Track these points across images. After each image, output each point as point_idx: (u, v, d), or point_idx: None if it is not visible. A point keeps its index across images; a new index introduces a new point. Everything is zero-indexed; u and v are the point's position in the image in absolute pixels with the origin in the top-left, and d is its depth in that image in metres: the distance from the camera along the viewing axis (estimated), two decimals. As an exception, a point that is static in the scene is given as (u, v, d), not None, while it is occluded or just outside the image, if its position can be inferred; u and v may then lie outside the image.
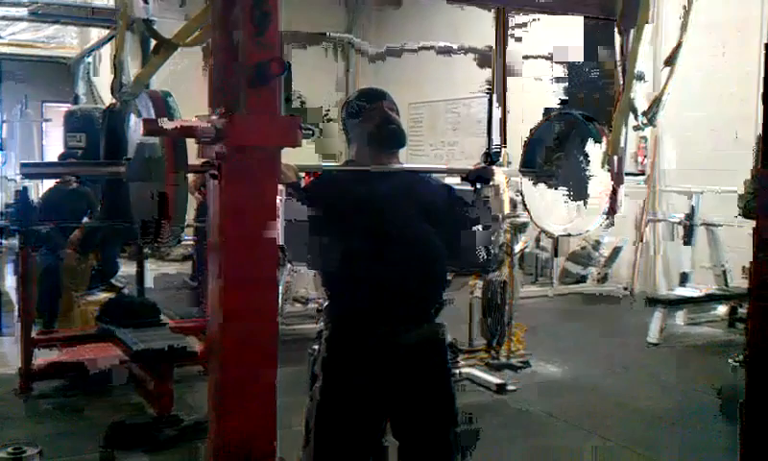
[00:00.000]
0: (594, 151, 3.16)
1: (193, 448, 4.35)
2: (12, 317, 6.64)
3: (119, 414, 4.77)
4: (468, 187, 2.82)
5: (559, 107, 6.74)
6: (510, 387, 5.61)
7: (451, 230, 2.69)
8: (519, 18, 8.71)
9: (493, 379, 5.69)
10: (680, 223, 8.22)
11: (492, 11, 7.44)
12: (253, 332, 1.93)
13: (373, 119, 2.72)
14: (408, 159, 3.05)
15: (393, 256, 2.55)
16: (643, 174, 9.40)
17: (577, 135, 3.25)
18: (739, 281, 7.30)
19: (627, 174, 3.27)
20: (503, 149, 6.71)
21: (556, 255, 9.70)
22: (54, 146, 13.22)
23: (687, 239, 8.08)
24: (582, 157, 3.21)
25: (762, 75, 2.10)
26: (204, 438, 2.25)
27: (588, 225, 3.29)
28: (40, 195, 8.17)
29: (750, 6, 8.29)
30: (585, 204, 3.21)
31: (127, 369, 5.36)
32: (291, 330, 6.39)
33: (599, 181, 3.13)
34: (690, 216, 8.02)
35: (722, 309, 7.74)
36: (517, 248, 6.54)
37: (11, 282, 7.91)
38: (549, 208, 3.38)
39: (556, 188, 3.27)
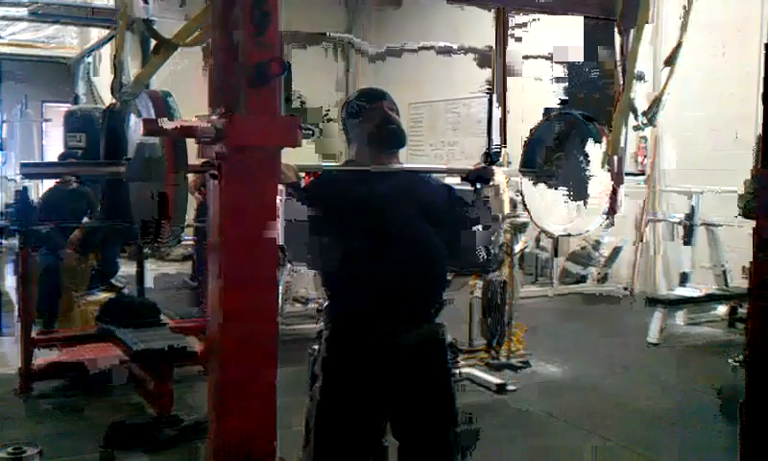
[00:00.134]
0: (594, 151, 3.15)
1: (193, 448, 4.35)
2: (12, 317, 6.64)
3: (119, 414, 4.77)
4: (468, 187, 2.82)
5: (559, 107, 6.74)
6: (510, 387, 5.61)
7: (451, 230, 2.69)
8: (519, 18, 8.71)
9: (493, 379, 5.69)
10: (680, 223, 8.22)
11: (492, 11, 7.44)
12: (253, 332, 1.93)
13: (373, 119, 2.72)
14: (408, 159, 3.05)
15: (393, 256, 2.55)
16: (643, 174, 9.40)
17: (577, 135, 3.25)
18: (739, 281, 7.30)
19: (627, 174, 3.27)
20: (503, 149, 6.71)
21: (556, 255, 9.70)
22: (54, 146, 13.22)
23: (687, 239, 8.08)
24: (582, 157, 3.21)
25: (762, 75, 2.10)
26: (203, 438, 2.25)
27: (588, 225, 3.29)
28: (40, 195, 8.17)
29: (750, 6, 8.29)
30: (585, 204, 3.21)
31: (127, 369, 5.36)
32: (291, 330, 6.39)
33: (599, 181, 3.13)
34: (690, 216, 8.02)
35: (722, 309, 7.74)
36: (517, 248, 6.54)
37: (11, 282, 7.91)
38: (549, 208, 3.38)
39: (556, 188, 3.27)
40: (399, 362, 2.60)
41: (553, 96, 9.32)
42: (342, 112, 2.86)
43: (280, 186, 2.38)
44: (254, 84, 1.84)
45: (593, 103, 8.85)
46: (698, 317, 7.73)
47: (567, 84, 9.90)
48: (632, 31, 2.98)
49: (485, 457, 3.68)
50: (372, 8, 14.00)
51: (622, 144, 3.02)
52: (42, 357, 5.58)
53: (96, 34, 12.45)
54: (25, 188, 7.29)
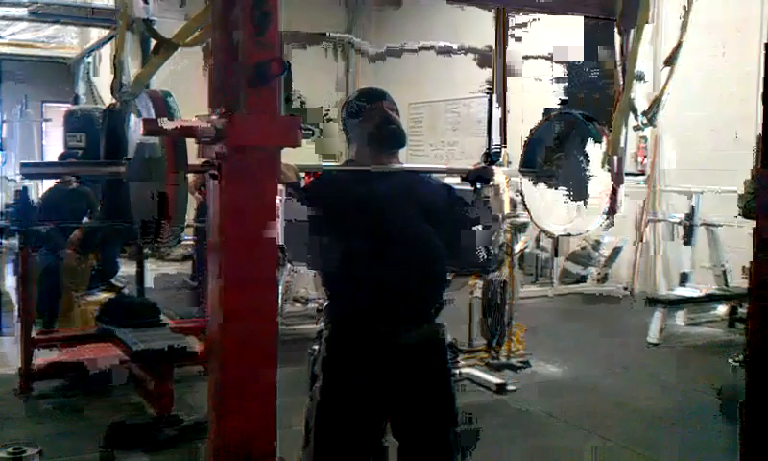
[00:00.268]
0: (594, 151, 3.15)
1: (193, 448, 4.35)
2: (12, 317, 6.64)
3: (119, 414, 4.77)
4: (468, 187, 2.82)
5: (559, 107, 6.74)
6: (510, 387, 5.61)
7: (451, 230, 2.69)
8: (519, 18, 8.71)
9: (493, 379, 5.69)
10: (680, 223, 8.22)
11: (492, 11, 7.44)
12: (253, 332, 1.93)
13: (373, 119, 2.72)
14: (408, 159, 3.05)
15: (393, 256, 2.55)
16: (643, 174, 9.40)
17: (577, 135, 3.25)
18: (739, 281, 7.30)
19: (627, 174, 3.27)
20: (503, 149, 6.71)
21: (556, 255, 9.70)
22: (54, 146, 13.22)
23: (687, 239, 8.08)
24: (582, 157, 3.21)
25: (762, 75, 2.10)
26: (203, 438, 2.25)
27: (588, 225, 3.29)
28: (40, 195, 8.17)
29: (750, 6, 8.29)
30: (585, 204, 3.21)
31: (127, 369, 5.36)
32: (291, 330, 6.39)
33: (599, 181, 3.13)
34: (690, 216, 8.02)
35: (722, 309, 7.74)
36: (517, 248, 6.54)
37: (11, 282, 7.91)
38: (549, 208, 3.38)
39: (556, 188, 3.27)
40: (399, 362, 2.60)
41: (553, 96, 9.32)
42: (342, 112, 2.86)
43: (280, 186, 2.38)
44: (254, 84, 1.84)
45: (593, 103, 8.85)
46: (698, 317, 7.73)
47: (567, 84, 9.90)
48: (632, 31, 2.98)
49: (485, 457, 3.67)
50: (371, 8, 14.00)
51: (622, 144, 3.02)
52: (42, 357, 5.58)
53: (96, 34, 12.45)
54: (25, 188, 7.28)
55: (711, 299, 7.64)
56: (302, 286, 7.33)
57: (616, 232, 9.10)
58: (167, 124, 1.93)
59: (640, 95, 3.00)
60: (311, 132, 11.21)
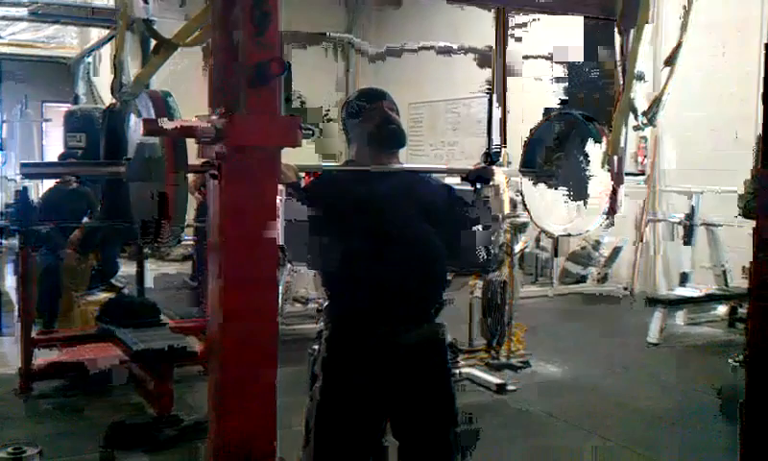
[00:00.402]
0: (594, 151, 3.15)
1: (193, 448, 4.35)
2: (12, 317, 6.64)
3: (119, 414, 4.77)
4: (468, 187, 2.82)
5: (559, 107, 6.74)
6: (510, 387, 5.61)
7: (451, 230, 2.69)
8: (519, 18, 8.71)
9: (493, 379, 5.69)
10: (680, 223, 8.22)
11: (492, 11, 7.44)
12: (253, 332, 1.93)
13: (373, 119, 2.72)
14: (408, 159, 3.05)
15: (393, 256, 2.55)
16: (643, 174, 9.40)
17: (577, 135, 3.25)
18: (739, 281, 7.30)
19: (627, 174, 3.27)
20: (503, 149, 6.71)
21: (556, 255, 9.70)
22: (54, 146, 13.22)
23: (687, 239, 8.08)
24: (582, 157, 3.21)
25: (762, 75, 2.10)
26: (203, 438, 2.25)
27: (588, 225, 3.29)
28: (40, 195, 8.17)
29: (750, 6, 8.29)
30: (585, 204, 3.21)
31: (127, 369, 5.36)
32: (291, 330, 6.39)
33: (599, 181, 3.13)
34: (690, 216, 8.02)
35: (722, 309, 7.74)
36: (517, 248, 6.54)
37: (11, 282, 7.91)
38: (549, 208, 3.38)
39: (556, 188, 3.27)
40: (399, 362, 2.60)
41: (553, 96, 9.32)
42: (342, 112, 2.86)
43: (280, 186, 2.38)
44: (254, 84, 1.84)
45: (593, 103, 8.85)
46: (698, 317, 7.73)
47: (567, 84, 9.90)
48: (632, 31, 2.98)
49: (485, 457, 3.67)
50: (372, 8, 13.99)
51: (622, 144, 3.02)
52: (42, 357, 5.58)
53: (96, 34, 12.45)
54: (25, 188, 7.29)
55: (711, 299, 7.64)
56: (302, 286, 7.33)
57: (616, 232, 9.10)
58: (167, 124, 1.93)
59: (640, 95, 3.00)
60: (311, 132, 11.21)
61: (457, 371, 5.26)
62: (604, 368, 6.41)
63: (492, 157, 3.10)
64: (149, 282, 7.07)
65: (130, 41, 2.57)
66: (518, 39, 8.87)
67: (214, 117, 1.91)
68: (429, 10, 12.48)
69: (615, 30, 3.06)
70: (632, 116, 3.01)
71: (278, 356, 1.97)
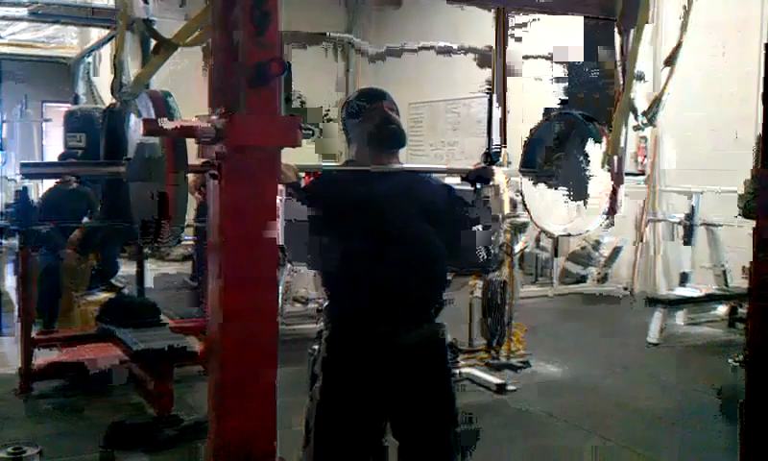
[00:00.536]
0: (594, 151, 3.15)
1: (193, 448, 4.35)
2: (12, 317, 6.64)
3: (119, 414, 4.77)
4: (468, 187, 2.82)
5: (559, 107, 6.74)
6: (510, 387, 5.61)
7: (451, 230, 2.69)
8: (519, 18, 8.71)
9: (493, 379, 5.69)
10: (680, 223, 8.22)
11: (492, 11, 7.44)
12: (253, 332, 1.93)
13: (373, 119, 2.72)
14: (408, 159, 3.05)
15: (393, 256, 2.55)
16: (643, 174, 9.40)
17: (577, 135, 3.25)
18: (739, 281, 7.30)
19: (627, 174, 3.27)
20: (503, 149, 6.71)
21: (556, 255, 9.70)
22: (54, 146, 13.22)
23: (687, 239, 8.08)
24: (582, 157, 3.21)
25: (762, 75, 2.10)
26: (203, 438, 2.25)
27: (588, 225, 3.29)
28: (40, 195, 8.17)
29: (750, 6, 8.29)
30: (585, 204, 3.21)
31: (127, 369, 5.36)
32: (291, 330, 6.39)
33: (599, 181, 3.13)
34: (690, 216, 8.02)
35: (722, 309, 7.74)
36: (517, 248, 6.54)
37: (11, 282, 7.91)
38: (549, 208, 3.38)
39: (556, 188, 3.27)
40: (399, 362, 2.60)
41: (553, 96, 9.32)
42: (342, 112, 2.86)
43: (280, 186, 2.38)
44: (254, 84, 1.84)
45: (593, 103, 8.85)
46: (698, 317, 7.73)
47: (567, 84, 9.90)
48: (632, 31, 2.98)
49: (485, 457, 3.67)
50: (372, 8, 13.99)
51: (622, 144, 3.02)
52: (42, 357, 5.58)
53: (96, 34, 12.45)
54: (25, 188, 7.28)
55: (711, 299, 7.64)
56: (302, 286, 7.33)
57: (616, 232, 9.10)
58: (167, 124, 1.93)
59: (640, 95, 3.00)
60: (311, 132, 11.21)
61: (457, 371, 5.26)
62: (604, 368, 6.41)
63: (492, 157, 3.10)
64: (149, 282, 7.07)
65: (130, 41, 2.57)
66: (518, 39, 8.87)
67: (214, 117, 1.91)
68: (429, 10, 12.48)
69: (615, 30, 3.06)
70: (632, 116, 3.01)
71: (278, 356, 1.97)
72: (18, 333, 5.57)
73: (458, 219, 2.74)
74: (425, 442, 2.68)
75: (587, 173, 3.19)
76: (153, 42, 2.43)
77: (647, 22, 2.93)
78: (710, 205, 7.90)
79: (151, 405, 4.86)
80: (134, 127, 2.42)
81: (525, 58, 9.52)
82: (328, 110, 12.39)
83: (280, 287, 6.36)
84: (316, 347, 2.69)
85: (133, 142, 2.43)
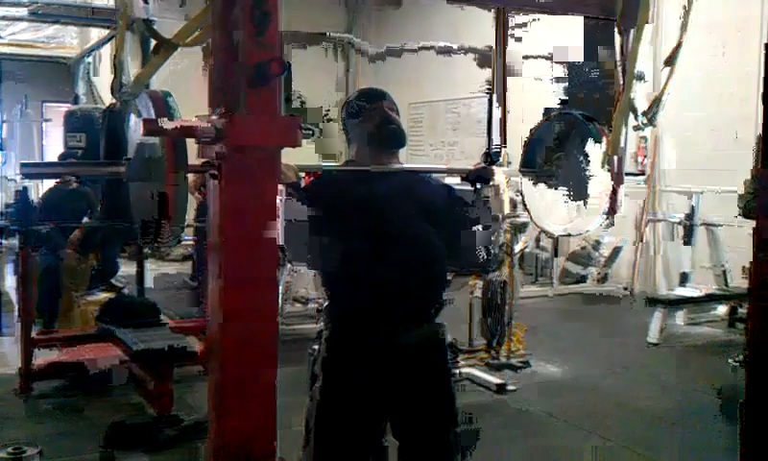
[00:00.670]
0: (594, 151, 3.15)
1: (193, 448, 4.35)
2: (12, 317, 6.64)
3: (119, 414, 4.77)
4: (468, 187, 2.82)
5: (559, 107, 6.74)
6: (510, 387, 5.61)
7: (451, 230, 2.69)
8: (519, 18, 8.71)
9: (493, 379, 5.69)
10: (680, 223, 8.22)
11: (492, 11, 7.44)
12: (253, 332, 1.93)
13: (373, 119, 2.72)
14: (408, 159, 3.05)
15: (393, 256, 2.55)
16: (643, 174, 9.40)
17: (577, 135, 3.25)
18: (739, 281, 7.30)
19: (627, 174, 3.27)
20: (503, 149, 6.71)
21: (556, 255, 9.70)
22: (54, 146, 13.22)
23: (687, 239, 8.08)
24: (582, 157, 3.21)
25: (762, 75, 2.10)
26: (204, 438, 2.25)
27: (588, 225, 3.29)
28: (40, 195, 8.17)
29: (750, 6, 8.29)
30: (585, 204, 3.21)
31: (127, 369, 5.36)
32: (291, 330, 6.39)
33: (599, 181, 3.13)
34: (690, 216, 8.02)
35: (722, 309, 7.74)
36: (517, 248, 6.54)
37: (11, 282, 7.91)
38: (549, 208, 3.38)
39: (556, 188, 3.27)
40: (399, 362, 2.60)
41: (553, 96, 9.32)
42: (342, 112, 2.86)
43: (280, 186, 2.38)
44: (254, 84, 1.84)
45: (593, 103, 8.85)
46: (698, 317, 7.73)
47: (567, 84, 9.90)
48: (632, 31, 2.98)
49: (485, 457, 3.67)
50: (371, 8, 13.99)
51: (622, 144, 3.02)
52: (42, 357, 5.58)
53: (96, 34, 12.45)
54: (25, 188, 7.28)
55: (711, 299, 7.64)
56: (302, 286, 7.33)
57: (616, 232, 9.10)
58: (167, 124, 1.93)
59: (640, 95, 3.00)
60: (311, 132, 11.21)
61: (457, 371, 5.26)
62: (604, 368, 6.41)
63: (492, 157, 3.10)
64: (149, 282, 7.07)
65: (130, 41, 2.57)
66: (518, 39, 8.87)
67: (214, 117, 1.91)
68: (429, 10, 12.48)
69: (615, 30, 3.06)
70: (632, 116, 3.01)
71: (278, 356, 1.97)
72: (18, 333, 5.57)
73: (458, 219, 2.74)
74: (425, 442, 2.68)
75: (587, 173, 3.19)
76: (153, 42, 2.43)
77: (647, 22, 2.93)
78: (710, 205, 7.90)
79: (151, 405, 4.86)
80: (134, 127, 2.42)
81: (525, 58, 9.52)
82: (328, 110, 12.39)
83: (280, 287, 6.36)
84: (316, 347, 2.69)
85: (133, 142, 2.43)
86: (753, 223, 2.08)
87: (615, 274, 9.80)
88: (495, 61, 7.46)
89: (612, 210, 3.13)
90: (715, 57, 8.39)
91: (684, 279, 8.18)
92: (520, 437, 4.85)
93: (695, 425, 5.00)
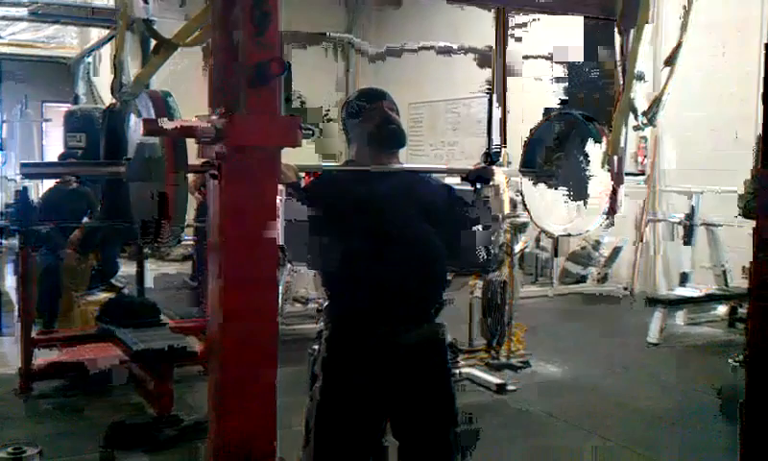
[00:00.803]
0: (594, 151, 3.15)
1: (193, 448, 4.35)
2: (12, 317, 6.64)
3: (119, 414, 4.77)
4: (468, 187, 2.82)
5: (559, 107, 6.74)
6: (510, 387, 5.61)
7: (451, 230, 2.69)
8: (519, 18, 8.71)
9: (493, 379, 5.69)
10: (680, 223, 8.22)
11: (492, 11, 7.44)
12: (253, 332, 1.93)
13: (373, 119, 2.72)
14: (408, 159, 3.05)
15: (393, 256, 2.55)
16: (643, 174, 9.40)
17: (577, 135, 3.25)
18: (739, 281, 7.30)
19: (627, 174, 3.27)
20: (503, 149, 6.71)
21: (556, 255, 9.70)
22: (54, 146, 13.22)
23: (687, 239, 8.08)
24: (582, 157, 3.21)
25: (762, 75, 2.10)
26: (204, 438, 2.25)
27: (588, 225, 3.29)
28: (40, 195, 8.17)
29: (750, 6, 8.29)
30: (585, 204, 3.21)
31: (127, 369, 5.36)
32: (291, 330, 6.39)
33: (599, 181, 3.13)
34: (690, 216, 8.02)
35: (722, 309, 7.74)
36: (517, 248, 6.54)
37: (11, 282, 7.91)
38: (549, 208, 3.38)
39: (556, 188, 3.27)
40: (399, 362, 2.60)
41: (553, 96, 9.32)
42: (342, 112, 2.86)
43: (280, 186, 2.38)
44: (254, 84, 1.84)
45: (593, 103, 8.85)
46: (698, 317, 7.73)
47: (567, 84, 9.90)
48: (632, 31, 2.98)
49: (485, 457, 3.67)
50: (372, 8, 13.99)
51: (622, 144, 3.02)
52: (42, 357, 5.58)
53: (96, 34, 12.45)
54: (25, 188, 7.28)
55: (711, 299, 7.64)
56: (302, 286, 7.33)
57: (616, 232, 9.10)
58: (167, 124, 1.93)
59: (640, 95, 3.00)
60: (311, 132, 11.21)
61: (457, 371, 5.26)
62: (604, 368, 6.41)
63: (492, 157, 3.10)
64: (149, 282, 7.07)
65: (130, 41, 2.57)
66: (518, 39, 8.87)
67: (214, 117, 1.91)
68: (429, 10, 12.48)
69: (615, 30, 3.06)
70: (632, 116, 3.01)
71: (278, 356, 1.97)
72: (18, 333, 5.57)
73: (458, 219, 2.74)
74: (425, 442, 2.68)
75: (587, 173, 3.19)
76: (153, 42, 2.43)
77: (647, 22, 2.93)
78: (710, 205, 7.90)
79: (151, 405, 4.86)
80: (134, 127, 2.42)
81: (525, 58, 9.52)
82: (328, 110, 12.39)
83: (280, 287, 6.36)
84: (316, 347, 2.69)
85: (133, 142, 2.43)
86: (753, 223, 2.08)
87: (615, 274, 9.80)
88: (495, 61, 7.46)
89: (611, 210, 3.13)
90: (715, 57, 8.39)
91: (683, 279, 8.18)
92: (520, 437, 4.85)
93: (695, 425, 5.00)
